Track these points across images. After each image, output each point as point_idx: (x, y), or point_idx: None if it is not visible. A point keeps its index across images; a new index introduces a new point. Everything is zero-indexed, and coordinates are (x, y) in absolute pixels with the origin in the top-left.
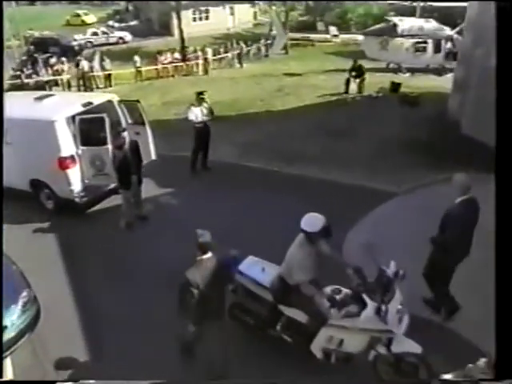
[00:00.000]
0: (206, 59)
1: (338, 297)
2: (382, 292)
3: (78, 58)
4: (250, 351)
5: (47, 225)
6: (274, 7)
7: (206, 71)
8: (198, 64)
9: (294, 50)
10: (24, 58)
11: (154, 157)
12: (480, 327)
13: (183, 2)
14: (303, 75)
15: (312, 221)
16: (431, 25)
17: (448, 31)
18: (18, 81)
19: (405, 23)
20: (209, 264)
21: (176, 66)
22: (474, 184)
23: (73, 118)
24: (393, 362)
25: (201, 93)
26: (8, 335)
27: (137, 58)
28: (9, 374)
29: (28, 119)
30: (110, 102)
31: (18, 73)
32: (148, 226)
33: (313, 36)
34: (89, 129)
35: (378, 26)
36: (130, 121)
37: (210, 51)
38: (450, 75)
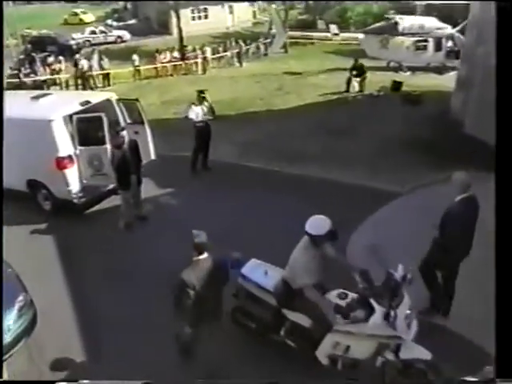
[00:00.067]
0: (205, 58)
1: (344, 302)
2: (389, 297)
3: (76, 57)
4: (252, 356)
5: (45, 226)
6: (273, 5)
7: (204, 70)
8: (197, 63)
9: (293, 48)
10: (21, 56)
11: (153, 156)
12: (480, 326)
13: (182, 1)
14: (303, 74)
15: (318, 223)
16: (432, 23)
17: (449, 29)
18: (16, 80)
19: (405, 21)
20: (205, 265)
21: (175, 65)
22: (476, 183)
23: (70, 117)
24: (401, 369)
25: (201, 91)
26: (4, 340)
27: (135, 56)
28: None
29: (25, 119)
30: (108, 100)
31: (16, 72)
32: (147, 227)
33: (313, 34)
34: (87, 128)
35: (378, 25)
36: (128, 120)
37: (209, 50)
38: (451, 74)
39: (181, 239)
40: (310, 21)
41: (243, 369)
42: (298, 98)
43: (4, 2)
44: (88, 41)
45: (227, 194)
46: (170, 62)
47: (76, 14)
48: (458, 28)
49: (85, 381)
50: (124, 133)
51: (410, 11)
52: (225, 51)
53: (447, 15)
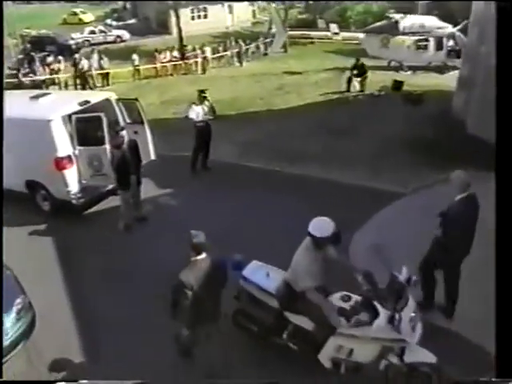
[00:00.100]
0: (205, 58)
1: (347, 304)
2: (394, 299)
3: (75, 56)
4: (254, 360)
5: (43, 227)
6: (273, 4)
7: (204, 70)
8: (196, 63)
9: (293, 48)
10: (20, 56)
11: (153, 157)
12: (480, 326)
13: (181, 1)
14: (303, 73)
15: (321, 225)
16: (433, 22)
17: (450, 28)
18: (15, 80)
19: (406, 21)
20: (203, 265)
21: (175, 65)
22: (478, 182)
23: (69, 117)
24: (405, 372)
25: (202, 91)
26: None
27: (135, 56)
28: None
29: (23, 118)
30: (107, 100)
31: (15, 72)
32: (147, 228)
33: (313, 34)
34: (86, 128)
35: (379, 24)
36: (128, 120)
37: (208, 50)
38: (452, 73)
39: (181, 240)
40: (310, 20)
41: (244, 372)
42: (298, 97)
43: (3, 2)
44: (87, 40)
45: (227, 194)
46: (169, 61)
47: (75, 14)
48: (458, 27)
49: (84, 381)
50: (123, 133)
51: (410, 11)
52: (225, 51)
53: (448, 14)
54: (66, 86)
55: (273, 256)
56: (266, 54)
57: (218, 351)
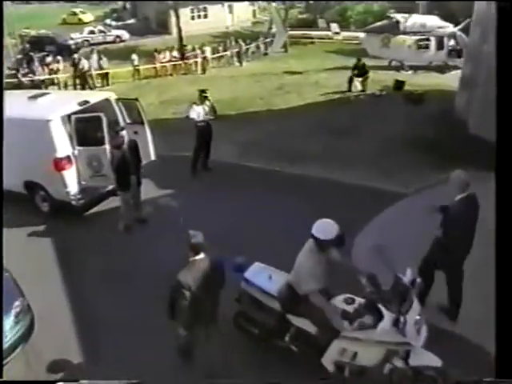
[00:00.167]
0: (204, 58)
1: (351, 307)
2: (398, 302)
3: (75, 56)
4: (255, 363)
5: (42, 228)
6: (273, 4)
7: (204, 70)
8: (196, 63)
9: (293, 48)
10: (19, 56)
11: (153, 157)
12: (480, 326)
13: (181, 1)
14: (304, 73)
15: (325, 228)
16: (434, 21)
17: (451, 28)
18: (14, 80)
19: (407, 20)
20: (201, 265)
21: (174, 65)
22: (479, 182)
23: (68, 117)
24: (411, 376)
25: (203, 91)
26: None
27: (134, 56)
28: None
29: (22, 118)
30: (107, 100)
31: (14, 72)
32: (147, 229)
33: (314, 33)
34: (85, 128)
35: (379, 23)
36: (128, 120)
37: (208, 50)
38: (453, 72)
39: (181, 241)
40: (311, 20)
41: (246, 375)
42: (298, 97)
43: (4, 3)
44: (87, 40)
45: (227, 195)
46: (169, 61)
47: (75, 14)
48: (459, 26)
49: (84, 381)
50: (124, 133)
51: (411, 10)
52: (225, 51)
53: (449, 14)
54: (66, 86)
55: (273, 256)
56: (266, 54)
57: (218, 352)
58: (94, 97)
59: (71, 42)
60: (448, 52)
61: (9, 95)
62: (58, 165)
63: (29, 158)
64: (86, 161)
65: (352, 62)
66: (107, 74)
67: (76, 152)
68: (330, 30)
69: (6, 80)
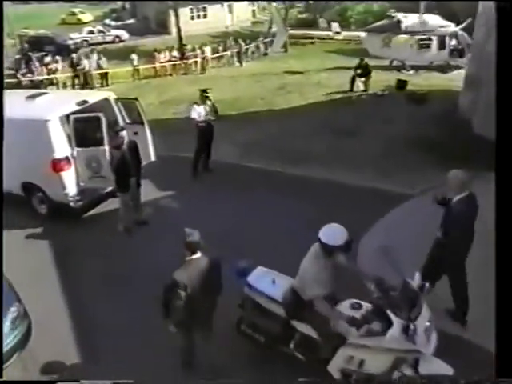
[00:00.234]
0: (204, 58)
1: (358, 312)
2: (407, 308)
3: (74, 56)
4: (259, 369)
5: (40, 231)
6: (273, 4)
7: (203, 70)
8: (196, 62)
9: (293, 48)
10: (18, 56)
11: (153, 158)
12: (480, 326)
13: (181, 1)
14: (305, 73)
15: (334, 233)
16: (435, 21)
17: (452, 27)
18: (13, 80)
19: (408, 19)
20: (198, 264)
21: (174, 65)
22: (479, 182)
23: (67, 117)
24: None
25: (205, 90)
26: None
27: (134, 56)
28: None
29: (20, 119)
30: (106, 100)
31: (13, 72)
32: (147, 231)
33: (314, 33)
34: (84, 129)
35: (380, 23)
36: (127, 120)
37: (208, 50)
38: (455, 72)
39: (181, 243)
40: (311, 19)
41: (249, 381)
42: (300, 97)
43: (5, 3)
44: (86, 40)
45: (229, 196)
46: (168, 61)
47: (74, 14)
48: (461, 26)
49: (84, 381)
50: (123, 133)
51: (412, 10)
52: (224, 51)
53: (450, 13)
54: (65, 86)
55: (275, 259)
56: (266, 54)
57: (216, 353)
58: (92, 97)
59: (70, 42)
60: (450, 52)
61: (6, 95)
62: (57, 166)
63: (26, 159)
64: (85, 162)
65: (352, 62)
66: (107, 74)
67: (75, 153)
68: (330, 30)
69: (5, 80)
